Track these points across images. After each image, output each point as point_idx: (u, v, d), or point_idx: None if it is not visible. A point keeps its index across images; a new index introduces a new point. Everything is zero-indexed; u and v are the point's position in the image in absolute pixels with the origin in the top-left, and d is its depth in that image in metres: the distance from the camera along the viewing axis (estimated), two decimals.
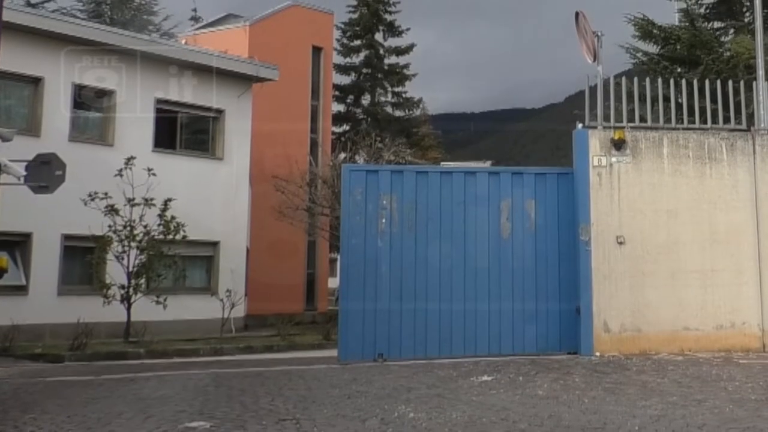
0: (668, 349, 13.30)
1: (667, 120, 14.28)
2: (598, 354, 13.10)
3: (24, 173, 15.32)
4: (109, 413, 8.54)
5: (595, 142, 13.84)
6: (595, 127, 13.98)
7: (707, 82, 14.72)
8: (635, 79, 14.43)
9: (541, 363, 12.17)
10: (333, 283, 32.09)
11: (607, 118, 14.02)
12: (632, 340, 13.38)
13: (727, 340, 13.56)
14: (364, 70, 42.75)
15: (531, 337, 13.54)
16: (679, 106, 14.41)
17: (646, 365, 11.85)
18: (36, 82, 21.15)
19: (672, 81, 14.70)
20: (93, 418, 8.26)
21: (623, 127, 13.98)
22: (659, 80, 14.74)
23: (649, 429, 7.38)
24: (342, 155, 29.16)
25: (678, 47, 23.32)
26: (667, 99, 14.37)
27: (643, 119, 14.32)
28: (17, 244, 20.39)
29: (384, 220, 13.52)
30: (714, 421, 7.67)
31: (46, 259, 20.68)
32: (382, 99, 43.18)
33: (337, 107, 41.14)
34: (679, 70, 22.64)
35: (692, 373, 11.02)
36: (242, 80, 25.52)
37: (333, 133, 37.06)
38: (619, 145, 13.80)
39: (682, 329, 13.54)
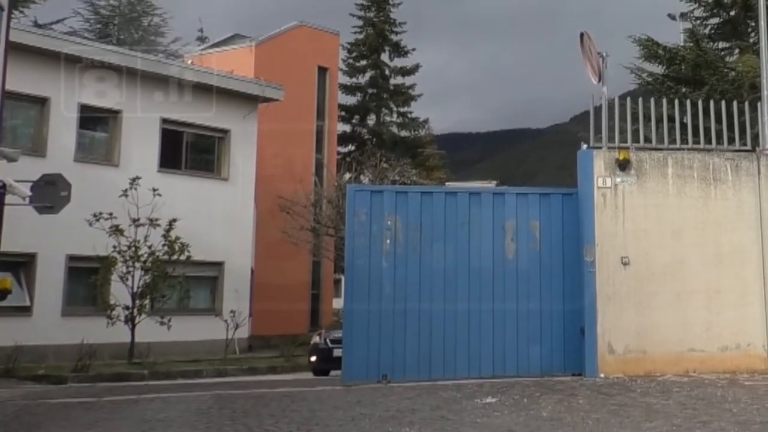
0: (673, 370, 13.21)
1: (672, 140, 14.24)
2: (602, 375, 13.02)
3: (29, 194, 15.35)
4: None
5: (599, 163, 13.79)
6: (599, 148, 13.92)
7: (712, 102, 14.66)
8: (640, 100, 14.41)
9: (546, 384, 12.10)
10: (338, 303, 32.01)
11: (611, 138, 13.97)
12: (637, 362, 13.28)
13: (733, 362, 13.46)
14: (370, 91, 42.84)
15: (535, 358, 13.45)
16: (683, 126, 14.41)
17: (651, 387, 11.76)
18: (42, 102, 21.26)
19: (677, 101, 14.69)
20: None
21: (628, 148, 13.94)
22: (664, 100, 14.66)
23: None
24: (347, 175, 29.24)
25: (683, 67, 23.33)
26: (671, 119, 14.35)
27: (647, 139, 14.26)
28: (22, 265, 20.43)
29: (388, 241, 13.48)
30: None
31: (50, 280, 20.71)
32: (388, 119, 43.25)
33: (343, 127, 41.25)
34: (683, 90, 22.65)
35: (697, 394, 10.94)
36: (248, 100, 25.62)
37: (338, 153, 37.19)
38: (623, 165, 13.75)
39: (687, 350, 13.44)
